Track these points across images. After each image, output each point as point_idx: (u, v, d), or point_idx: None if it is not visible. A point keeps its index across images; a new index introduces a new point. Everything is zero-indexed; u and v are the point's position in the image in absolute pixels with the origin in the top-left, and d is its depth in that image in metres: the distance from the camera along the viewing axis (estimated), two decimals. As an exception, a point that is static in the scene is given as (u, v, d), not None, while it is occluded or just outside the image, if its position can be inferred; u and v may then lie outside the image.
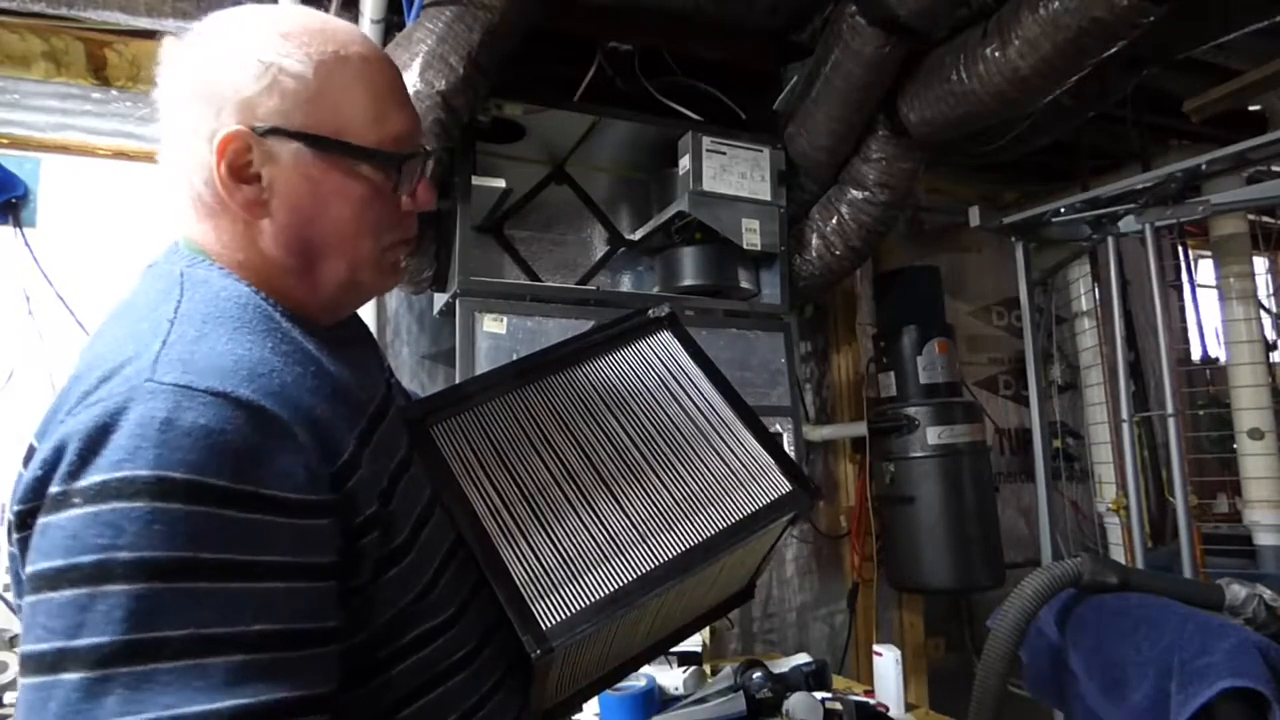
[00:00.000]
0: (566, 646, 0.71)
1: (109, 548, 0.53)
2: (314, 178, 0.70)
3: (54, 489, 0.56)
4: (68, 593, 0.53)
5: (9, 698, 1.58)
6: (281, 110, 0.68)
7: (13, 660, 1.65)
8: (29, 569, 0.56)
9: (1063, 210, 2.33)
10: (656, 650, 0.94)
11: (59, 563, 0.54)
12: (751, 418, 0.89)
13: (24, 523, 0.58)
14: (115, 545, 0.53)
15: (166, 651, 0.53)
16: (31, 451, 0.63)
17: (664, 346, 0.94)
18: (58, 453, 0.57)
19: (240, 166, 0.69)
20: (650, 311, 0.96)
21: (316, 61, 0.69)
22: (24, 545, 0.58)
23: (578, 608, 0.72)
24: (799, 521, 0.86)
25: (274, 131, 0.68)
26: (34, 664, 0.53)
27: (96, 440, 0.56)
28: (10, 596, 1.70)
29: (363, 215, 0.73)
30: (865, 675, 2.53)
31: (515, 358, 1.88)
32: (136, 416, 0.56)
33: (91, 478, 0.55)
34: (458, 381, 1.82)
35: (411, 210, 0.78)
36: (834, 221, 2.24)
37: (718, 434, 0.88)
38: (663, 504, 0.81)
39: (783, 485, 0.85)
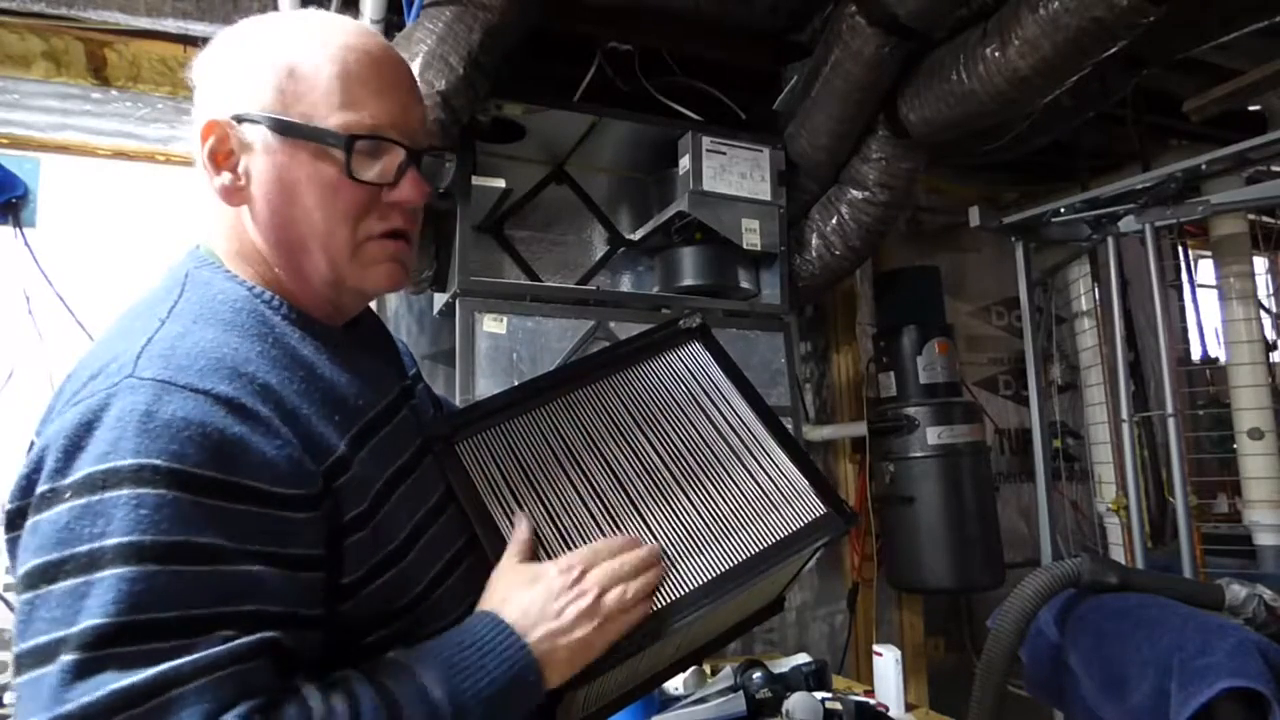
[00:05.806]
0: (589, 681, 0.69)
1: (100, 535, 0.55)
2: (281, 162, 0.71)
3: (42, 487, 0.57)
4: (66, 583, 0.54)
5: (9, 698, 1.58)
6: (255, 98, 0.70)
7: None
8: (24, 567, 0.56)
9: (1063, 210, 2.32)
10: (684, 665, 0.91)
11: (54, 556, 0.55)
12: (785, 435, 0.86)
13: (14, 523, 0.59)
14: (105, 533, 0.55)
15: (159, 632, 0.54)
16: (33, 447, 0.63)
17: (695, 359, 0.92)
18: (43, 452, 0.58)
19: (221, 154, 0.71)
20: (681, 322, 0.93)
21: (295, 49, 0.71)
22: (14, 545, 0.59)
23: None
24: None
25: (246, 118, 0.70)
26: (34, 657, 0.54)
27: (80, 436, 0.57)
28: (10, 596, 1.70)
29: (331, 202, 0.71)
30: (865, 675, 2.53)
31: (515, 358, 1.90)
32: (117, 410, 0.58)
33: (78, 472, 0.56)
34: (457, 381, 1.82)
35: (397, 202, 0.74)
36: (834, 221, 2.24)
37: (750, 453, 0.85)
38: (692, 527, 0.78)
39: (817, 508, 0.81)
